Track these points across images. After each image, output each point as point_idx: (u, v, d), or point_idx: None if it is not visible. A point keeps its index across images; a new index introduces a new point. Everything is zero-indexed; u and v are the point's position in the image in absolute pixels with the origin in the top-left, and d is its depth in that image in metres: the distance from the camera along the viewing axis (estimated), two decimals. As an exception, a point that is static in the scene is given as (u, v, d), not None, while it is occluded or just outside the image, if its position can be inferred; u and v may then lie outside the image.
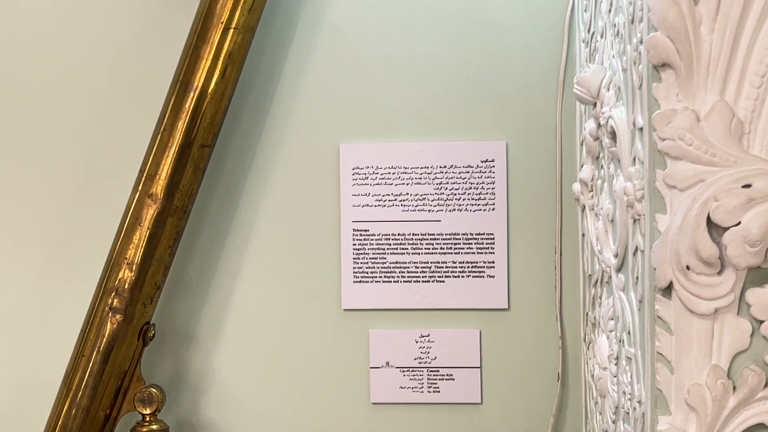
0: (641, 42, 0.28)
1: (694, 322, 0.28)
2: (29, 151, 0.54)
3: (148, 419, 0.51)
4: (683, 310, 0.28)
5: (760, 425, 0.27)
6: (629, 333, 0.35)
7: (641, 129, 0.29)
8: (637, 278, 0.32)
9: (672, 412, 0.29)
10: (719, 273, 0.26)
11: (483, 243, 0.52)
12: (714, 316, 0.27)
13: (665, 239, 0.26)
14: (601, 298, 0.49)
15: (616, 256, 0.36)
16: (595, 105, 0.42)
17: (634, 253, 0.32)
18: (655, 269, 0.27)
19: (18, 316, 0.53)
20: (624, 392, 0.38)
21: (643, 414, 0.32)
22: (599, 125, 0.42)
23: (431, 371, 0.52)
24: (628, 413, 0.37)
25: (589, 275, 0.53)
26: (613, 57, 0.38)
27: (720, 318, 0.27)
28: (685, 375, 0.28)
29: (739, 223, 0.25)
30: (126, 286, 0.50)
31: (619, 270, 0.37)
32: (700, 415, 0.27)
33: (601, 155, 0.45)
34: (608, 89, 0.38)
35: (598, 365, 0.47)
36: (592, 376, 0.51)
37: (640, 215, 0.30)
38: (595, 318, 0.52)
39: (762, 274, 0.25)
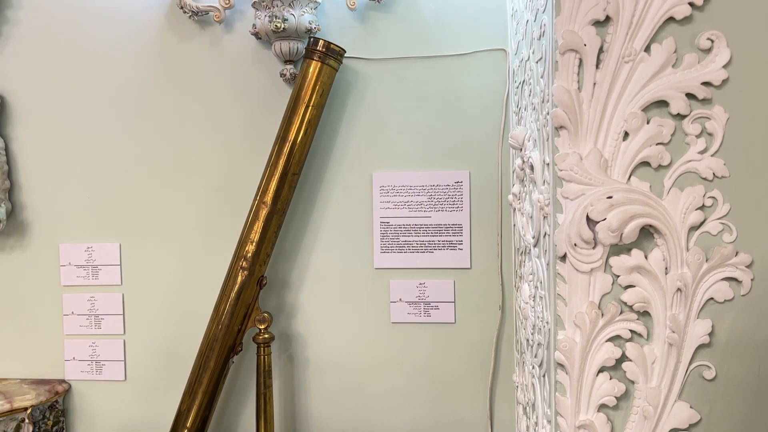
0: (548, 113, 0.48)
1: (579, 276, 0.47)
2: (200, 172, 0.91)
3: (262, 331, 0.86)
4: (572, 270, 0.47)
5: (617, 337, 0.48)
6: (541, 282, 0.58)
7: (548, 164, 0.50)
8: (546, 251, 0.54)
9: (566, 329, 0.48)
10: (593, 248, 0.46)
11: (455, 230, 0.88)
12: (590, 273, 0.47)
13: (562, 228, 0.46)
14: (524, 262, 0.83)
15: (533, 237, 0.61)
16: (521, 149, 0.70)
17: (544, 236, 0.54)
18: (556, 246, 0.47)
19: (189, 270, 0.91)
20: (538, 317, 0.61)
21: (549, 330, 0.53)
22: (523, 161, 0.69)
23: (426, 304, 0.89)
24: (540, 329, 0.60)
25: (518, 248, 0.87)
26: (532, 122, 0.62)
27: (594, 274, 0.47)
28: (574, 307, 0.48)
29: (605, 219, 0.44)
30: (250, 255, 0.85)
31: (535, 246, 0.61)
32: (582, 330, 0.48)
33: (524, 179, 0.75)
34: (529, 140, 0.64)
35: (523, 301, 0.79)
36: (519, 307, 0.86)
37: (547, 214, 0.52)
38: (521, 273, 0.86)
39: (618, 248, 0.46)
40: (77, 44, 0.91)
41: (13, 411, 0.88)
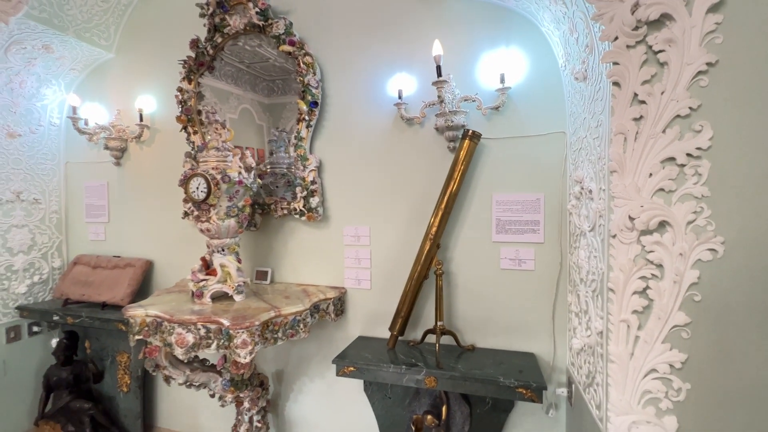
0: (605, 164, 1.13)
1: (622, 246, 1.10)
2: (407, 195, 1.92)
3: (438, 269, 1.81)
4: (620, 242, 1.10)
5: (643, 276, 1.09)
6: (595, 248, 1.25)
7: (603, 190, 1.17)
8: (601, 233, 1.19)
9: (614, 272, 1.11)
10: (631, 231, 1.10)
11: (535, 223, 1.72)
12: (629, 244, 1.10)
13: (615, 222, 1.10)
14: (579, 239, 1.52)
15: (589, 227, 1.30)
16: (580, 182, 1.40)
17: (599, 226, 1.20)
18: (610, 230, 1.11)
19: (403, 239, 1.92)
20: (591, 267, 1.28)
21: (603, 273, 1.16)
22: (582, 188, 1.39)
23: (519, 260, 1.75)
24: (594, 273, 1.25)
25: (572, 233, 1.67)
26: (589, 169, 1.31)
27: (631, 244, 1.09)
28: (619, 261, 1.11)
29: (639, 217, 1.07)
30: (433, 233, 1.81)
31: (590, 231, 1.29)
32: (624, 273, 1.10)
33: (580, 197, 1.44)
34: (586, 178, 1.34)
35: (579, 259, 1.44)
36: (573, 263, 1.65)
37: (602, 214, 1.18)
38: (576, 245, 1.66)
39: (646, 232, 1.07)
40: (354, 133, 1.99)
41: (326, 299, 2.00)
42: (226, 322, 1.53)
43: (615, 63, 1.11)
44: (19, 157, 2.42)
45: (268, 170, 2.16)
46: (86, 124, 2.40)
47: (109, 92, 2.53)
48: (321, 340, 2.11)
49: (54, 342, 2.50)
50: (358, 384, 1.99)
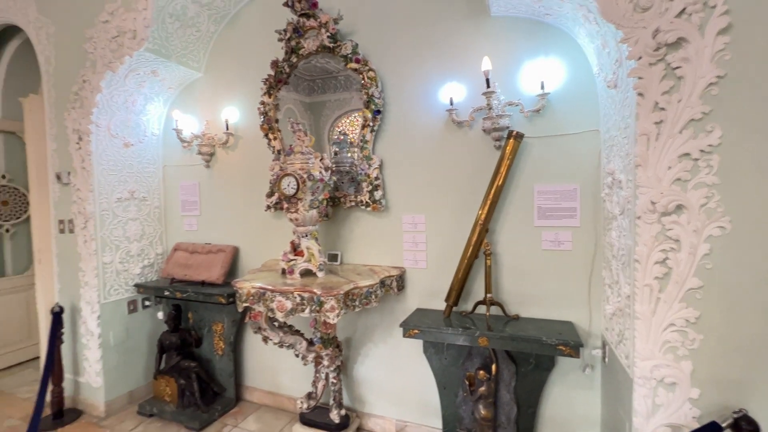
0: (631, 160, 1.52)
1: (646, 225, 1.38)
2: (457, 187, 2.24)
3: (486, 250, 2.13)
4: (644, 222, 1.38)
5: (663, 249, 1.38)
6: (623, 229, 1.54)
7: (630, 180, 1.43)
8: (628, 216, 1.46)
9: (639, 246, 1.39)
10: (653, 213, 1.36)
11: (572, 210, 1.99)
12: (651, 224, 1.37)
13: (639, 205, 1.40)
14: (611, 222, 1.80)
15: (619, 211, 1.58)
16: (612, 174, 1.69)
17: (627, 210, 1.48)
18: (636, 212, 1.39)
19: (455, 226, 2.24)
20: (621, 244, 1.58)
21: (630, 247, 1.44)
22: (613, 179, 1.66)
23: (558, 242, 2.03)
24: (623, 249, 1.54)
25: (605, 216, 1.93)
26: (619, 163, 1.70)
27: (653, 224, 1.37)
28: (643, 236, 1.39)
29: (659, 201, 1.35)
30: (482, 219, 2.12)
31: (620, 215, 1.57)
32: (648, 247, 1.37)
33: (612, 186, 1.70)
34: (617, 170, 1.62)
35: (612, 238, 1.74)
36: (606, 242, 1.92)
37: (629, 200, 1.45)
38: (609, 227, 1.94)
39: (665, 213, 1.35)
40: (410, 135, 2.33)
41: (390, 276, 2.36)
42: (318, 291, 1.93)
43: (639, 77, 1.37)
44: (132, 162, 2.95)
45: (334, 168, 2.54)
46: (181, 133, 2.89)
47: (198, 105, 3.01)
48: (383, 311, 2.48)
49: (160, 314, 3.05)
50: (416, 348, 2.35)
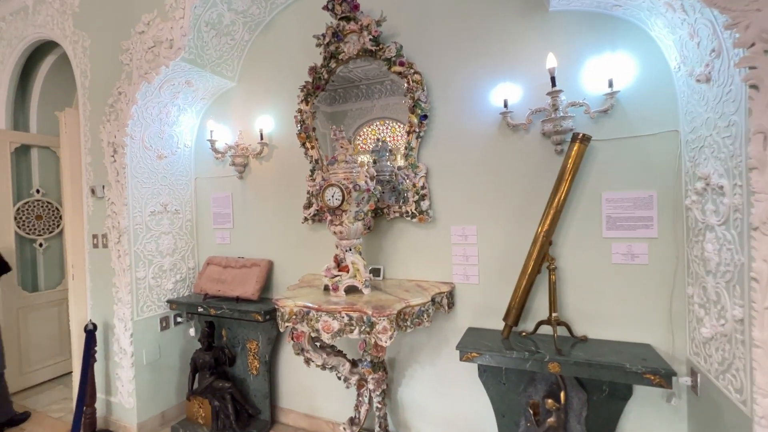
0: (741, 161, 1.22)
1: (764, 236, 1.15)
2: (512, 195, 2.07)
3: (550, 264, 1.94)
4: (761, 234, 1.14)
5: None
6: (728, 241, 1.32)
7: (740, 186, 1.25)
8: (737, 226, 1.27)
9: (757, 262, 1.16)
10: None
11: (648, 218, 1.79)
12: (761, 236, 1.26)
13: (756, 213, 1.17)
14: (703, 233, 1.52)
15: (719, 221, 1.39)
16: (706, 179, 1.46)
17: (735, 219, 1.28)
18: (751, 222, 1.16)
19: (509, 238, 2.07)
20: (724, 259, 1.36)
21: (743, 263, 1.24)
22: (707, 184, 1.45)
23: (632, 255, 1.83)
24: (729, 264, 1.33)
25: (691, 227, 1.72)
26: (718, 166, 1.44)
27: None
28: (762, 252, 1.15)
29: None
30: (545, 229, 1.94)
31: (721, 225, 1.37)
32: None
33: (704, 193, 1.52)
34: (713, 174, 1.43)
35: (706, 252, 1.48)
36: (695, 255, 1.70)
37: (739, 208, 1.25)
38: (696, 240, 1.73)
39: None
40: (458, 141, 2.18)
41: (441, 292, 2.19)
42: (368, 311, 1.77)
43: (752, 67, 1.19)
44: (165, 174, 2.88)
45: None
46: (215, 144, 2.81)
47: (231, 116, 2.94)
48: (431, 330, 2.31)
49: (192, 331, 2.95)
50: (468, 371, 2.17)
